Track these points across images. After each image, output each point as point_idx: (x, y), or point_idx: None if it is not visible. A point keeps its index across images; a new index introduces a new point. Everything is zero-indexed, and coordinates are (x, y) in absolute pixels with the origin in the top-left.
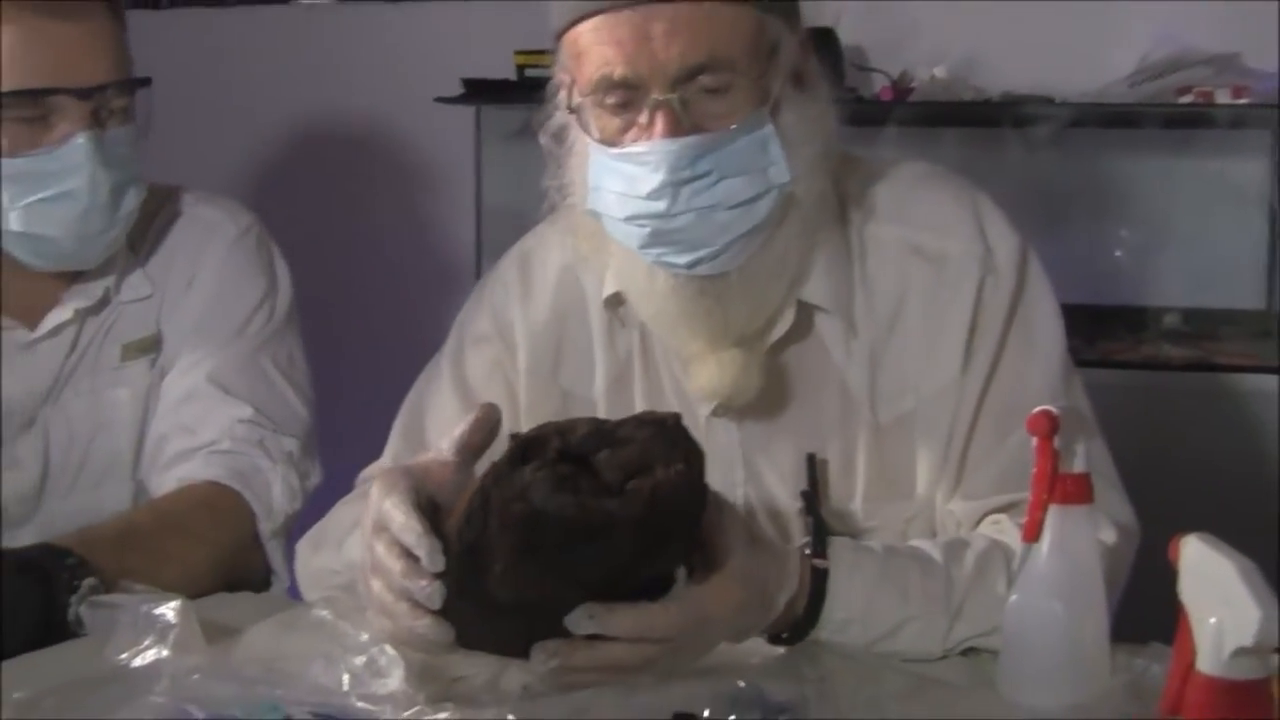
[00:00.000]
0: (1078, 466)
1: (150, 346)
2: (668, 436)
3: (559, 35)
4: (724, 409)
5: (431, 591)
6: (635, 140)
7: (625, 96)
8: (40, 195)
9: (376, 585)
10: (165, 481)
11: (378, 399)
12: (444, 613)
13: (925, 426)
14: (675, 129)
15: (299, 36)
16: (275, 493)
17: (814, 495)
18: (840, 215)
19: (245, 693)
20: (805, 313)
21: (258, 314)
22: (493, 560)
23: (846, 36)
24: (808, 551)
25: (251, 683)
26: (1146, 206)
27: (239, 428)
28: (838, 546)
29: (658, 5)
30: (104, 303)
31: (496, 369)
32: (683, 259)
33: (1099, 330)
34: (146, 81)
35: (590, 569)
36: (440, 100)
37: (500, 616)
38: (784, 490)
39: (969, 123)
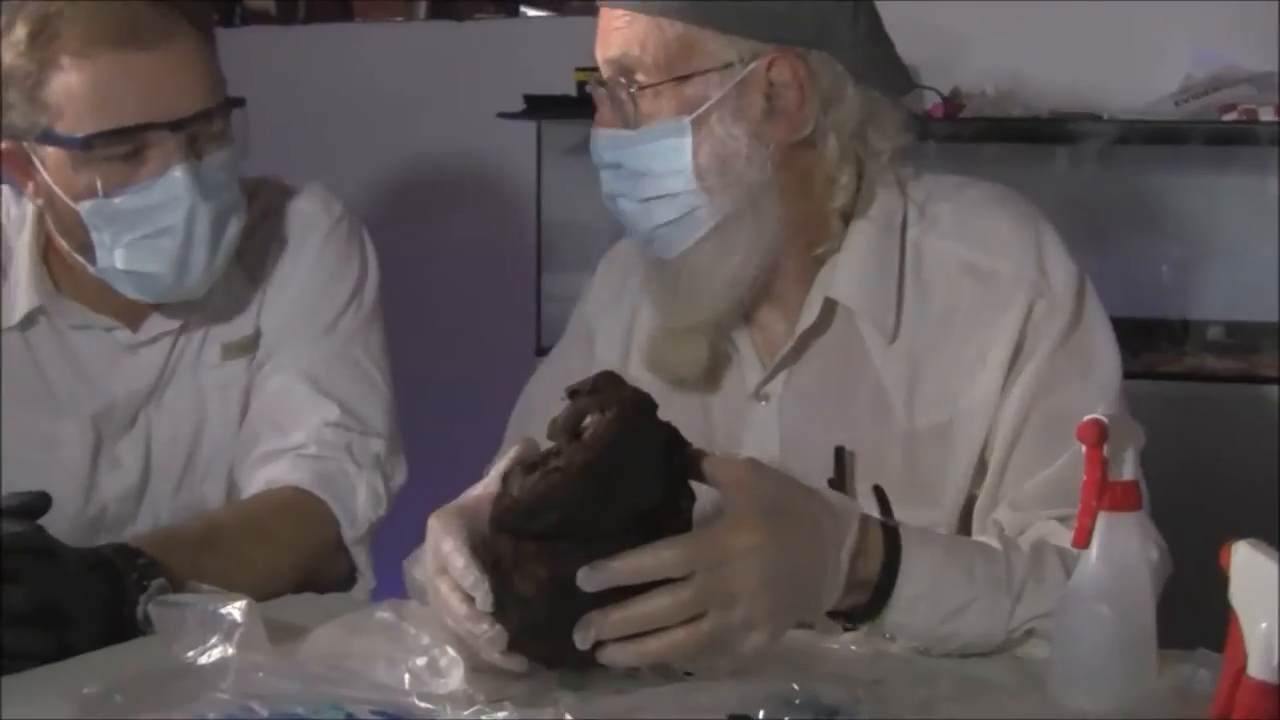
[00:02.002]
0: (1126, 474)
1: (250, 345)
2: (598, 390)
3: None
4: (763, 396)
5: (494, 636)
6: None
7: None
8: (141, 233)
9: (448, 621)
10: (253, 480)
11: (439, 409)
12: (520, 650)
13: (958, 439)
14: (601, 116)
15: (366, 55)
16: (360, 499)
17: (840, 486)
18: (900, 224)
19: (308, 690)
20: (834, 309)
21: (350, 306)
22: (511, 568)
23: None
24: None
25: (314, 680)
26: (1190, 221)
27: (327, 431)
28: (903, 526)
29: (615, 6)
30: (205, 303)
31: (586, 364)
32: (631, 234)
33: (1143, 343)
34: (240, 102)
35: (570, 529)
36: (502, 116)
37: (543, 620)
38: (812, 480)
39: (1018, 139)
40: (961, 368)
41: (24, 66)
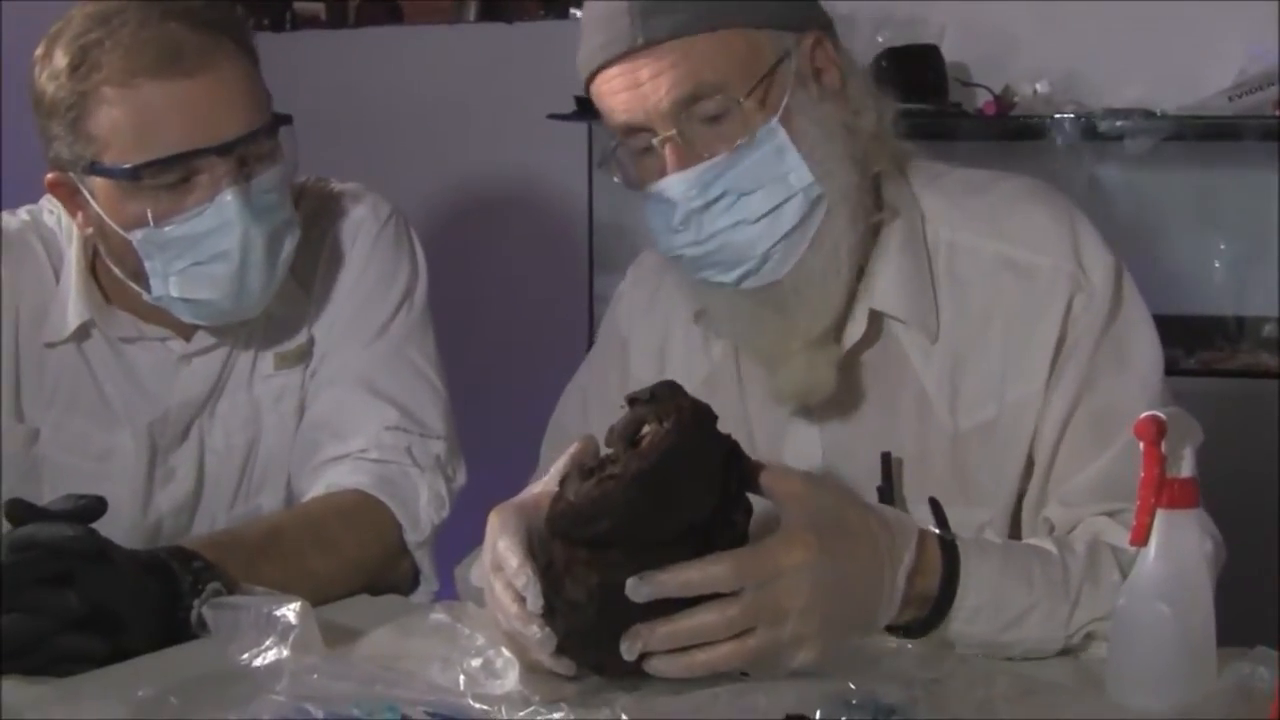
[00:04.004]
0: (1185, 471)
1: (304, 354)
2: (659, 399)
3: (588, 93)
4: (804, 409)
5: (542, 638)
6: (658, 179)
7: (642, 140)
8: (195, 259)
9: (500, 619)
10: (314, 486)
11: (491, 412)
12: (568, 654)
13: (1006, 437)
14: (683, 161)
15: (416, 57)
16: (422, 502)
17: (889, 493)
18: (918, 221)
19: (363, 692)
20: (880, 320)
21: (401, 308)
22: (562, 572)
23: (950, 53)
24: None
25: (369, 682)
26: (1245, 217)
27: (386, 435)
28: (960, 539)
29: (643, 50)
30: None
31: (618, 377)
32: (729, 276)
33: (1198, 340)
34: (287, 119)
35: (622, 537)
36: (553, 117)
37: (591, 627)
38: (861, 491)
39: (1071, 136)
40: (1005, 365)
41: (65, 99)
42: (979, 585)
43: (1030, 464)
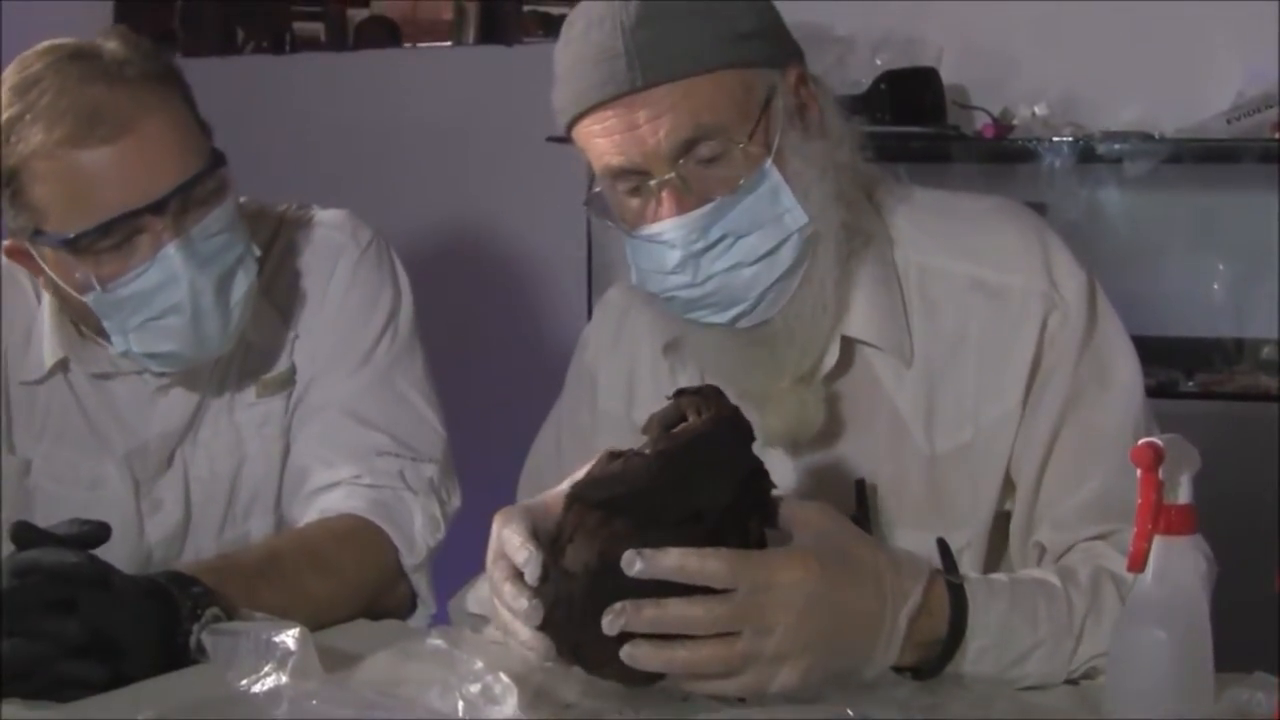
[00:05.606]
0: (1182, 498)
1: (286, 381)
2: (700, 396)
3: (568, 132)
4: (778, 441)
5: (530, 610)
6: (651, 221)
7: (633, 181)
8: (147, 315)
9: (499, 605)
10: (307, 512)
11: (488, 434)
12: (551, 630)
13: (982, 458)
14: (681, 205)
15: (415, 80)
16: (417, 526)
17: (864, 520)
18: (887, 246)
19: (361, 717)
20: (852, 346)
21: (385, 334)
22: (567, 542)
23: (948, 75)
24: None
25: (368, 707)
26: (1243, 240)
27: (378, 461)
28: (968, 580)
29: (640, 92)
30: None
31: (589, 415)
32: (722, 317)
33: (1197, 362)
34: (221, 160)
35: (632, 508)
36: (552, 140)
37: (580, 599)
38: None
39: (1069, 158)
40: (980, 387)
41: (2, 174)
42: (986, 628)
43: (1008, 484)
